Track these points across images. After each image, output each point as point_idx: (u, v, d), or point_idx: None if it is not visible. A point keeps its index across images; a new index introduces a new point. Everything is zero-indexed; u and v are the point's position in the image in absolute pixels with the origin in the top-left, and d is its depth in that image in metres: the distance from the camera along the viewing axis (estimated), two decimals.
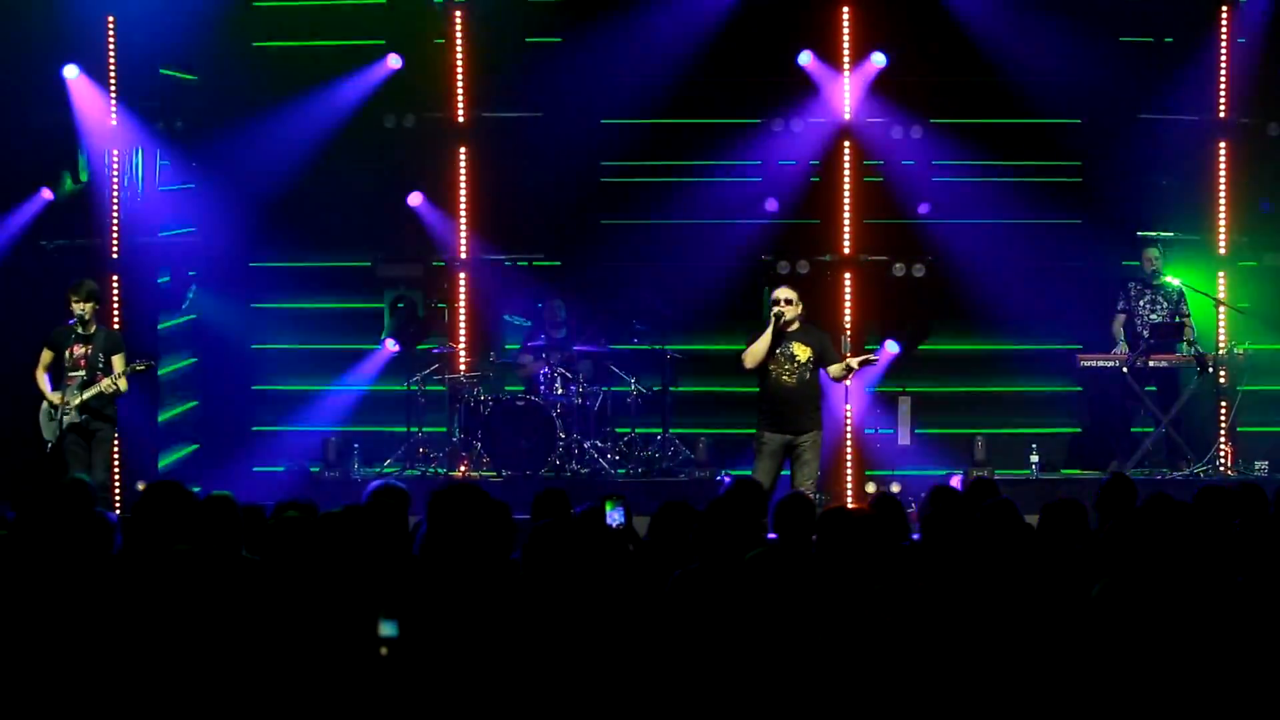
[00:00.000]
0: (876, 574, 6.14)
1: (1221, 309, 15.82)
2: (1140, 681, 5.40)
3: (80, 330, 13.52)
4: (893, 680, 5.40)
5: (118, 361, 13.57)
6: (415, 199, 16.43)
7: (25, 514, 7.88)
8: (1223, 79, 15.94)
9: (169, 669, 5.76)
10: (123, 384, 13.54)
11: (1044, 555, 7.18)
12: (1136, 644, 5.49)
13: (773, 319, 12.93)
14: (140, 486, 13.60)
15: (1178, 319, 15.39)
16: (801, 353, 12.95)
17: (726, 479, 9.66)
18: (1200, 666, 5.49)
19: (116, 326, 15.13)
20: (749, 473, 12.75)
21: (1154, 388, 15.42)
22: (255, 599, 6.22)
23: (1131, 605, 5.50)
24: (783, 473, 13.03)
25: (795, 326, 13.01)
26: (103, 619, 5.99)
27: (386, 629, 5.60)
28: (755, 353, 12.93)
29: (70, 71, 15.53)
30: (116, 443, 14.47)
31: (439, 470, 15.39)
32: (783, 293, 13.06)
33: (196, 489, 8.93)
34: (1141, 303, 15.51)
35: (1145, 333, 15.35)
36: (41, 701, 5.72)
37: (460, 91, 16.44)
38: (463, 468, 15.25)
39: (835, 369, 13.07)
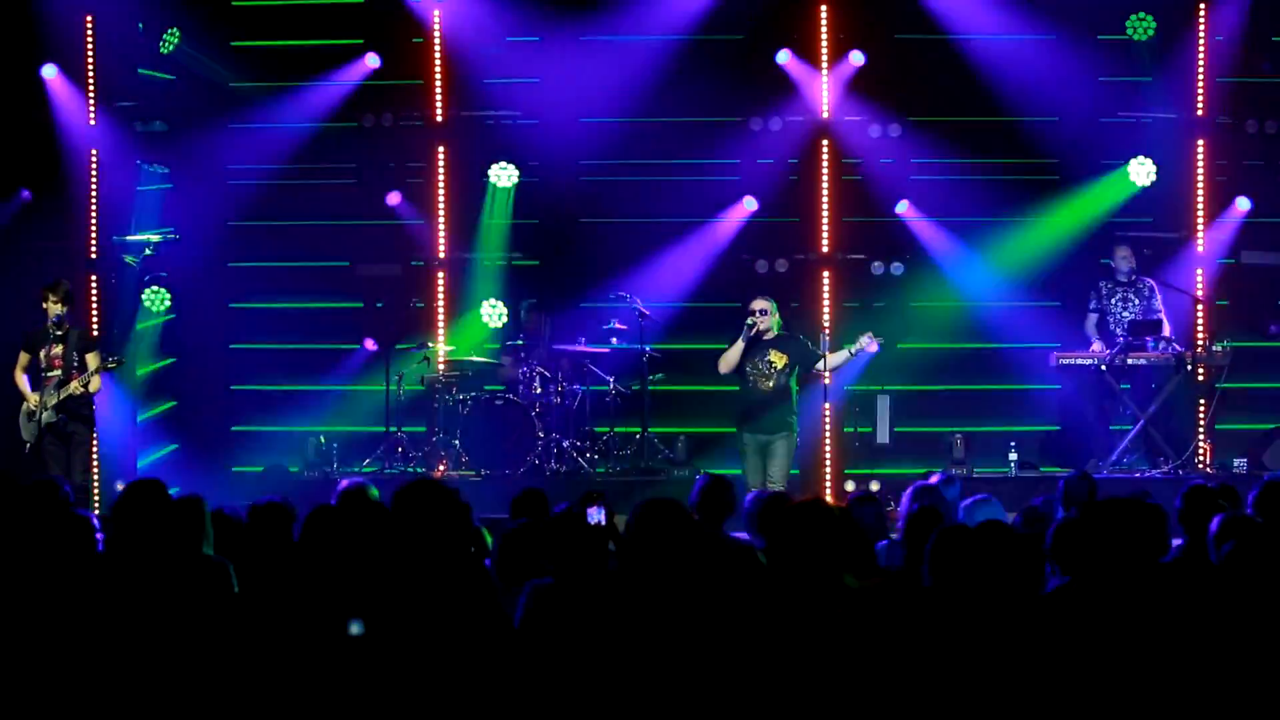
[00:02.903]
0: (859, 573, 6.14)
1: (1199, 306, 15.84)
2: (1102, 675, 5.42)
3: (55, 331, 13.48)
4: (878, 681, 5.39)
5: (91, 360, 13.52)
6: (394, 198, 16.42)
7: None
8: (1200, 77, 15.98)
9: (149, 669, 5.76)
10: (95, 383, 13.50)
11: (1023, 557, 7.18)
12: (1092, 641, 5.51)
13: (746, 328, 13.36)
14: (119, 486, 13.56)
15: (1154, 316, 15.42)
16: (778, 360, 13.45)
17: (701, 478, 9.65)
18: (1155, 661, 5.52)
19: (95, 325, 15.10)
20: (724, 472, 12.86)
21: (1127, 385, 15.43)
22: (225, 600, 6.22)
23: (1089, 600, 5.52)
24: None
25: (771, 335, 13.43)
26: (87, 618, 5.98)
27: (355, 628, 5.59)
28: (728, 359, 13.52)
29: (49, 71, 15.49)
30: (95, 444, 14.46)
31: (418, 469, 15.38)
32: (758, 303, 13.55)
33: (175, 489, 8.90)
34: (1113, 301, 15.52)
35: (1119, 331, 15.36)
36: (23, 701, 5.71)
37: (438, 91, 16.43)
38: (442, 467, 15.23)
39: (824, 364, 13.49)
